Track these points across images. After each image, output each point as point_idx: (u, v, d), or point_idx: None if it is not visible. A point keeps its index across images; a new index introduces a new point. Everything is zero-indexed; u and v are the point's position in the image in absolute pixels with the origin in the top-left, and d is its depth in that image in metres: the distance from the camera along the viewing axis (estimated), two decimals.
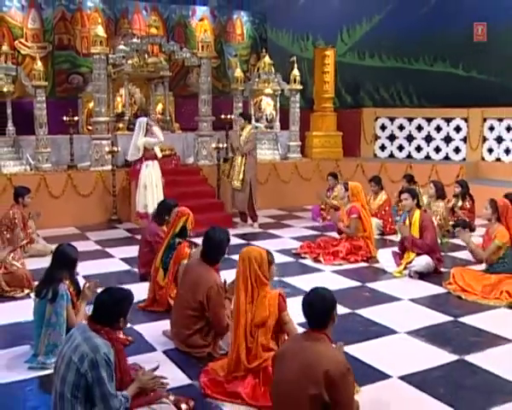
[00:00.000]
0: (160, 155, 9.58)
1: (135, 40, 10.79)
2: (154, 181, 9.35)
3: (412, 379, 4.22)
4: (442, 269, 6.88)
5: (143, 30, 12.81)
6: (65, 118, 10.33)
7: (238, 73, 12.21)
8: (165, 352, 4.79)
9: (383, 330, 5.17)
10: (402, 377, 4.25)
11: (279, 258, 7.70)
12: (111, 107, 11.64)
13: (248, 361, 4.03)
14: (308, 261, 7.56)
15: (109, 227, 9.81)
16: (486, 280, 6.14)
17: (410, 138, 12.80)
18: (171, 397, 3.74)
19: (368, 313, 5.61)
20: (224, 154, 10.96)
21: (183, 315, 4.71)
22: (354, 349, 4.73)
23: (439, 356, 4.62)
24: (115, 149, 9.96)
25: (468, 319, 5.41)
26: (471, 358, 4.58)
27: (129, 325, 5.37)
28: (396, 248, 7.28)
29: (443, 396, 3.99)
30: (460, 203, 9.27)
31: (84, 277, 6.90)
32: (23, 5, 11.96)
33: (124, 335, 4.98)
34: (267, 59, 12.33)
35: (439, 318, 5.48)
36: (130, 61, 10.96)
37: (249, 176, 9.74)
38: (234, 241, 8.80)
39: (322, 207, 10.35)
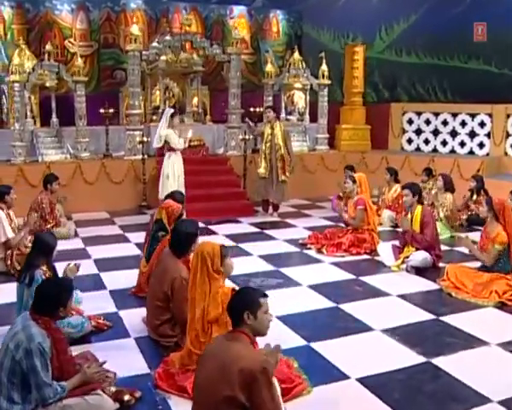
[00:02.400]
0: (181, 147, 9.25)
1: (167, 38, 10.53)
2: (177, 172, 9.05)
3: (370, 382, 3.75)
4: (441, 264, 6.28)
5: (183, 28, 12.51)
6: (102, 110, 10.20)
7: (269, 68, 11.73)
8: (136, 339, 4.50)
9: (359, 327, 4.69)
10: (360, 379, 3.79)
11: (284, 248, 7.35)
12: (148, 100, 11.51)
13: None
14: (311, 252, 7.10)
15: (138, 213, 9.62)
16: (479, 278, 5.51)
17: (435, 132, 11.99)
18: (113, 388, 3.45)
19: (351, 307, 5.13)
20: (251, 145, 10.64)
21: (153, 305, 4.42)
22: (321, 346, 4.31)
23: (407, 358, 4.12)
24: (145, 139, 9.78)
25: (451, 319, 4.85)
26: (439, 361, 4.05)
27: (114, 310, 5.16)
28: (397, 242, 6.71)
29: (396, 402, 3.51)
30: (475, 197, 8.56)
31: (95, 260, 6.80)
32: (72, 8, 11.93)
33: (103, 320, 4.76)
34: (296, 55, 11.81)
35: (422, 316, 4.94)
36: (164, 58, 10.74)
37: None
38: (248, 229, 8.54)
39: (340, 195, 9.81)
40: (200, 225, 8.65)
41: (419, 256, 6.15)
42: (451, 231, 7.89)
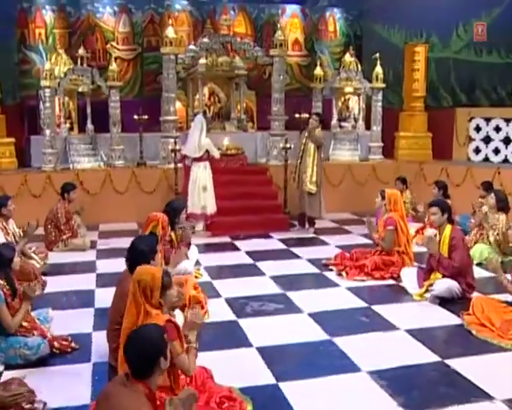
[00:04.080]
0: (217, 155, 9.15)
1: (205, 40, 10.48)
2: (210, 182, 8.96)
3: None
4: (473, 295, 5.67)
5: (231, 30, 12.45)
6: (135, 116, 10.31)
7: (318, 71, 11.38)
8: (96, 364, 4.37)
9: (344, 367, 4.27)
10: None
11: (303, 268, 7.03)
12: (191, 106, 11.52)
13: None
14: (331, 274, 6.70)
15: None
16: (508, 315, 4.91)
17: (507, 141, 11.08)
18: None
19: (345, 342, 4.71)
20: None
21: (111, 328, 4.25)
22: (291, 388, 3.95)
23: (384, 408, 3.67)
24: (178, 147, 9.74)
25: (458, 363, 4.31)
26: None
27: (89, 331, 5.06)
28: (424, 265, 6.17)
29: None
30: None
31: (98, 274, 6.79)
32: (115, 10, 12.20)
33: (70, 341, 4.66)
34: (347, 56, 11.39)
35: (425, 357, 4.44)
36: (203, 61, 10.69)
37: (319, 178, 9.03)
38: (274, 246, 8.27)
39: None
40: (227, 239, 8.61)
41: (443, 285, 5.60)
42: (503, 258, 7.16)
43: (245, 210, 9.32)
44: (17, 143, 10.38)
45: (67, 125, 10.71)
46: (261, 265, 7.13)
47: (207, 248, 8.18)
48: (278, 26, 10.93)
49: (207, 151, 8.98)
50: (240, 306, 5.62)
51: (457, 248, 5.69)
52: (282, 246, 8.18)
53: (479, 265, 7.05)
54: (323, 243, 8.40)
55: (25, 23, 11.63)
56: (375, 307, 5.54)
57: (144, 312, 3.44)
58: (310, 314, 5.36)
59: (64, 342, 4.60)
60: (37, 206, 8.68)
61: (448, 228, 5.79)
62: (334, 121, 11.84)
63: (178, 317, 4.89)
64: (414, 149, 11.73)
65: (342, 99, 12.27)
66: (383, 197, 6.91)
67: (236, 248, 8.07)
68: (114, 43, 12.22)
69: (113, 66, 10.24)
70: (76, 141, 10.30)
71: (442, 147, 11.74)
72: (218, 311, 5.48)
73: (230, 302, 5.73)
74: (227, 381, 3.87)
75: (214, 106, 11.74)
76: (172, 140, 9.96)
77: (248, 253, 7.74)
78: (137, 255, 4.18)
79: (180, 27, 12.43)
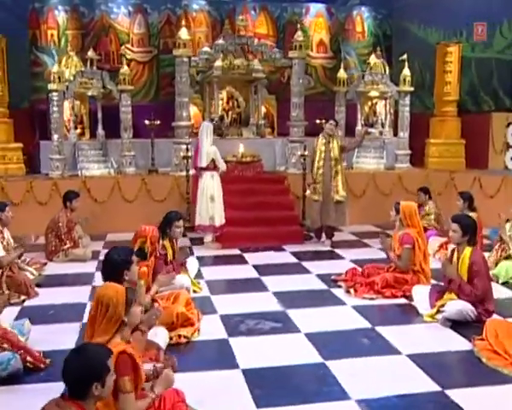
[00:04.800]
0: (225, 167, 9.09)
1: (220, 41, 10.48)
2: (218, 192, 8.92)
3: None
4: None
5: (251, 31, 12.46)
6: (146, 121, 10.36)
7: (341, 73, 11.24)
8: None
9: (333, 393, 4.12)
10: None
11: (311, 284, 6.90)
12: (207, 110, 11.54)
13: None
14: (339, 291, 6.55)
15: None
16: None
17: None
18: None
19: (339, 366, 4.56)
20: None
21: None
22: None
23: None
24: (190, 153, 9.74)
25: (458, 395, 4.08)
26: None
27: (70, 347, 5.03)
28: (439, 283, 5.97)
29: None
30: None
31: (94, 287, 6.79)
32: (129, 11, 12.32)
33: (42, 356, 4.63)
34: (373, 57, 11.23)
35: (423, 385, 4.25)
36: (219, 64, 10.69)
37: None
38: (285, 259, 8.16)
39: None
40: (236, 252, 8.54)
41: (454, 307, 5.38)
42: None
43: (258, 221, 9.23)
44: (27, 149, 10.58)
45: (78, 130, 10.88)
46: (266, 279, 7.03)
47: (214, 260, 8.14)
48: (298, 25, 10.83)
49: (213, 161, 8.88)
50: (234, 324, 5.53)
51: (479, 274, 5.43)
52: (293, 260, 8.07)
53: (504, 284, 6.82)
54: (338, 257, 8.26)
55: (36, 24, 11.85)
56: (380, 329, 5.37)
57: (107, 331, 3.38)
58: (307, 335, 5.23)
59: (38, 356, 4.57)
60: (42, 213, 8.77)
61: (468, 250, 5.54)
62: (359, 127, 11.67)
63: (161, 335, 4.87)
64: (445, 156, 11.49)
65: (369, 104, 12.12)
66: (398, 211, 6.72)
67: (244, 262, 8.00)
68: (129, 45, 12.33)
69: (125, 68, 10.32)
70: (86, 147, 10.41)
71: (476, 155, 11.45)
72: (210, 329, 5.41)
73: (225, 320, 5.65)
74: (202, 405, 3.79)
75: (233, 111, 11.74)
76: (184, 146, 9.98)
77: (256, 266, 7.66)
78: (112, 266, 4.22)
79: (198, 28, 12.51)
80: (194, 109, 11.57)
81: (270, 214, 9.42)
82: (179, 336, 5.09)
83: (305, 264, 7.78)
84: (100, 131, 10.73)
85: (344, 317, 5.75)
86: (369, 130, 11.92)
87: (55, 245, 7.98)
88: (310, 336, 5.19)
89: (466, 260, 5.53)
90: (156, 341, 4.74)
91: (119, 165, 10.36)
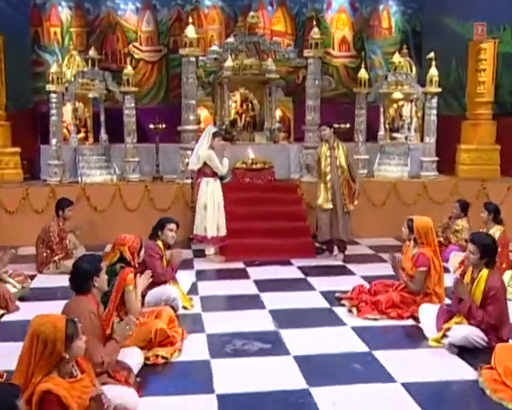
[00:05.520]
0: (225, 172, 9.03)
1: (229, 40, 10.47)
2: (216, 201, 8.84)
3: None
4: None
5: (268, 28, 12.44)
6: (151, 125, 10.39)
7: (362, 73, 11.07)
8: None
9: None
10: None
11: (312, 302, 6.83)
12: (219, 114, 11.51)
13: None
14: (341, 311, 6.43)
15: (185, 246, 9.41)
16: None
17: None
18: None
19: (323, 394, 4.45)
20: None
21: None
22: None
23: None
24: None
25: None
26: None
27: None
28: (448, 304, 5.80)
29: None
30: None
31: None
32: (137, 7, 12.40)
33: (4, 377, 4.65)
34: (396, 56, 11.07)
35: None
36: (229, 63, 10.67)
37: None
38: (291, 275, 8.09)
39: (441, 240, 8.82)
40: (239, 266, 8.48)
41: (459, 333, 5.20)
42: None
43: (266, 232, 9.16)
44: (27, 153, 10.68)
45: (81, 134, 10.96)
46: (265, 296, 6.96)
47: (213, 274, 8.12)
48: (314, 21, 10.73)
49: (210, 167, 8.83)
50: (220, 344, 5.48)
51: (496, 301, 5.22)
52: (298, 275, 7.98)
53: None
54: (349, 272, 8.13)
55: (39, 21, 11.99)
56: (377, 353, 5.24)
57: (40, 369, 3.30)
58: (296, 358, 5.14)
59: None
60: (38, 222, 8.77)
61: (485, 272, 5.35)
62: (382, 132, 11.51)
63: (136, 356, 4.84)
64: (477, 164, 11.19)
65: (395, 106, 11.95)
66: (410, 229, 6.52)
67: (246, 276, 7.94)
68: (137, 44, 12.42)
69: (128, 68, 10.35)
70: (87, 152, 10.44)
71: None
72: (193, 348, 5.37)
73: (211, 339, 5.60)
74: None
75: (247, 114, 11.69)
76: (190, 152, 9.97)
77: (257, 282, 7.59)
78: (81, 275, 4.30)
79: (211, 25, 12.54)
80: (204, 112, 11.58)
81: (279, 225, 9.33)
82: (156, 356, 5.06)
83: (311, 279, 7.68)
84: (103, 135, 10.78)
85: (340, 339, 5.64)
86: (394, 135, 11.82)
87: (46, 256, 8.04)
88: (298, 360, 5.10)
89: (482, 283, 5.33)
90: (130, 361, 4.71)
91: (122, 171, 10.38)
